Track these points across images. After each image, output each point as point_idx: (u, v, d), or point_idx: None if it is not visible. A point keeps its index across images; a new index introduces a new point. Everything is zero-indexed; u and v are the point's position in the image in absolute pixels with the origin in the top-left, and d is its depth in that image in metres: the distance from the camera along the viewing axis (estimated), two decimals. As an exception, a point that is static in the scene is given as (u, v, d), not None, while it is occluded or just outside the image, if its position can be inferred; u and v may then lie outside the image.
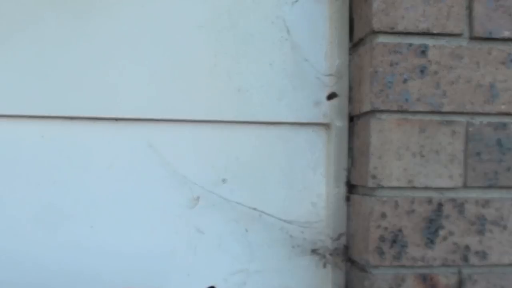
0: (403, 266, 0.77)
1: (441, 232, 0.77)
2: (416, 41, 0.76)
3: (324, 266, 0.87)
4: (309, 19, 0.86)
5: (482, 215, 0.78)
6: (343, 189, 0.87)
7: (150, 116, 0.84)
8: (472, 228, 0.77)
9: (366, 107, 0.79)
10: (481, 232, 0.78)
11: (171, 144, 0.84)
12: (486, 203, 0.78)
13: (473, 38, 0.77)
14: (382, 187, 0.77)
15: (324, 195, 0.87)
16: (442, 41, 0.77)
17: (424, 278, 0.77)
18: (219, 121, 0.85)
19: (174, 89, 0.84)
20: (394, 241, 0.76)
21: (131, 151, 0.84)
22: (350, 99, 0.86)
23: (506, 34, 0.77)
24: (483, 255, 0.78)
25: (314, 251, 0.86)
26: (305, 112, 0.86)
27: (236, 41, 0.85)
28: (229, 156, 0.85)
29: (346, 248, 0.86)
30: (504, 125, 0.78)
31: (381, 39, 0.76)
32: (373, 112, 0.77)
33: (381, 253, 0.76)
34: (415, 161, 0.77)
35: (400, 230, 0.77)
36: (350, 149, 0.86)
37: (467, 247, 0.77)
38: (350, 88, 0.86)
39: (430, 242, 0.77)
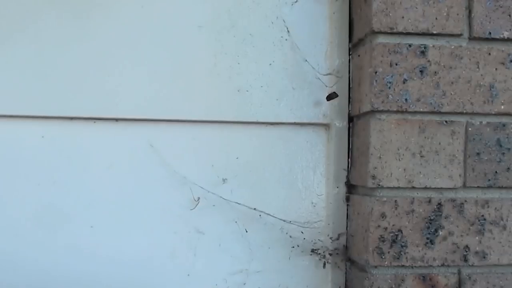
0: (402, 266, 0.77)
1: (441, 232, 0.77)
2: (416, 41, 0.76)
3: (324, 266, 0.87)
4: (309, 19, 0.86)
5: (481, 215, 0.78)
6: (343, 189, 0.87)
7: (150, 116, 0.84)
8: (471, 228, 0.77)
9: (366, 107, 0.79)
10: (480, 232, 0.78)
11: (171, 144, 0.84)
12: (485, 203, 0.78)
13: (472, 38, 0.77)
14: (382, 187, 0.77)
15: (324, 195, 0.87)
16: (441, 41, 0.77)
17: (423, 278, 0.77)
18: (219, 121, 0.85)
19: (174, 89, 0.84)
20: (394, 241, 0.76)
21: (131, 151, 0.84)
22: (350, 99, 0.86)
23: (506, 34, 0.77)
24: (482, 255, 0.78)
25: (314, 251, 0.87)
26: (305, 112, 0.86)
27: (236, 41, 0.85)
28: (229, 156, 0.86)
29: (346, 248, 0.86)
30: (503, 125, 0.78)
31: (381, 39, 0.76)
32: (373, 112, 0.77)
33: (381, 253, 0.76)
34: (414, 161, 0.77)
35: (400, 230, 0.77)
36: (350, 149, 0.86)
37: (466, 247, 0.77)
38: (350, 88, 0.86)
39: (429, 242, 0.77)
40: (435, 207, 0.77)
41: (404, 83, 0.76)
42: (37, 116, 0.82)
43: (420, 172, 0.77)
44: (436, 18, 0.76)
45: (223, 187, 0.85)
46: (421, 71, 0.77)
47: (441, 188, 0.77)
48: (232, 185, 0.85)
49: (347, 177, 0.87)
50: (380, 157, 0.76)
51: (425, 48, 0.76)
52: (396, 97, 0.76)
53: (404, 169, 0.77)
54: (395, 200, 0.77)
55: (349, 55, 0.87)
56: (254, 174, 0.86)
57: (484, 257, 0.78)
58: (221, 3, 0.85)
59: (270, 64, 0.86)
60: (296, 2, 0.86)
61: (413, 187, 0.77)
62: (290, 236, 0.86)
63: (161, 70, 0.84)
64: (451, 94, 0.77)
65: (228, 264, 0.86)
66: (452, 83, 0.77)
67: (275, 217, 0.86)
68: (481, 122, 0.78)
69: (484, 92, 0.77)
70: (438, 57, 0.77)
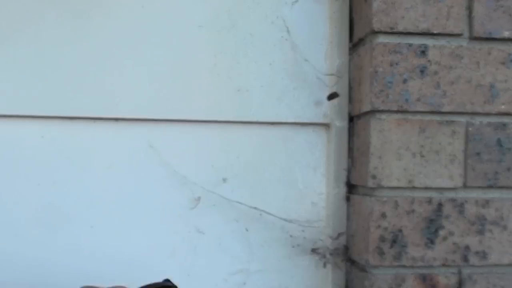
0: (403, 266, 0.77)
1: (441, 232, 0.77)
2: (416, 41, 0.76)
3: (324, 266, 0.87)
4: (309, 19, 0.86)
5: (482, 215, 0.78)
6: (343, 189, 0.87)
7: (150, 116, 0.84)
8: (472, 228, 0.77)
9: (366, 107, 0.79)
10: (481, 232, 0.78)
11: (171, 144, 0.84)
12: (486, 203, 0.78)
13: (473, 38, 0.77)
14: (382, 187, 0.77)
15: (324, 195, 0.87)
16: (442, 41, 0.77)
17: (424, 278, 0.77)
18: (219, 121, 0.85)
19: (174, 89, 0.84)
20: (394, 241, 0.76)
21: (131, 151, 0.84)
22: (350, 99, 0.86)
23: (506, 34, 0.77)
24: (483, 255, 0.78)
25: (314, 251, 0.87)
26: (305, 112, 0.86)
27: (236, 41, 0.85)
28: (229, 156, 0.85)
29: (346, 248, 0.86)
30: (504, 125, 0.78)
31: (381, 39, 0.76)
32: (373, 112, 0.77)
33: (381, 253, 0.76)
34: (415, 161, 0.77)
35: (400, 230, 0.77)
36: (350, 149, 0.86)
37: (467, 247, 0.77)
38: (350, 88, 0.86)
39: (430, 242, 0.77)
40: (436, 207, 0.77)
41: (404, 83, 0.76)
42: (37, 116, 0.82)
43: (420, 172, 0.77)
44: (437, 18, 0.76)
45: (223, 186, 0.85)
46: (421, 71, 0.77)
47: (442, 188, 0.77)
48: (232, 184, 0.85)
49: (347, 177, 0.87)
50: (380, 157, 0.76)
51: (425, 48, 0.76)
52: (396, 97, 0.76)
53: (405, 169, 0.77)
54: (396, 200, 0.77)
55: (349, 55, 0.87)
56: (254, 173, 0.86)
57: (485, 257, 0.78)
58: (221, 3, 0.85)
59: (270, 64, 0.86)
60: (296, 2, 0.86)
61: (414, 187, 0.77)
62: (291, 236, 0.86)
63: (161, 70, 0.84)
64: (452, 94, 0.77)
65: (228, 263, 0.86)
66: (452, 83, 0.77)
67: (276, 217, 0.86)
68: (481, 122, 0.78)
69: (485, 92, 0.77)
70: (438, 57, 0.77)
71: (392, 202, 0.77)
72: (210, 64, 0.85)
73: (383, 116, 0.77)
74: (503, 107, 0.78)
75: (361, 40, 0.82)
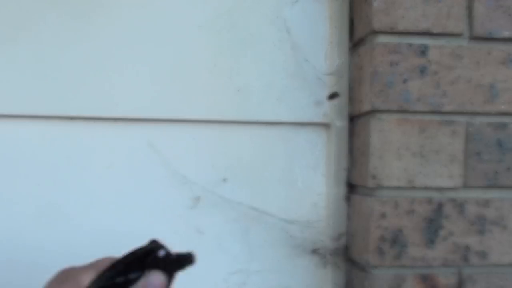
0: (403, 266, 0.77)
1: (441, 232, 0.77)
2: (416, 41, 0.76)
3: (325, 266, 0.87)
4: (309, 19, 0.86)
5: (482, 215, 0.78)
6: (343, 189, 0.87)
7: (150, 116, 0.84)
8: (472, 228, 0.77)
9: (366, 107, 0.79)
10: (481, 232, 0.78)
11: (171, 144, 0.84)
12: (486, 203, 0.78)
13: (473, 38, 0.77)
14: (382, 187, 0.77)
15: (324, 195, 0.87)
16: (442, 41, 0.77)
17: (424, 278, 0.77)
18: (219, 121, 0.85)
19: (174, 89, 0.84)
20: (394, 241, 0.76)
21: (131, 151, 0.84)
22: (350, 99, 0.86)
23: (506, 34, 0.77)
24: (483, 255, 0.78)
25: (314, 251, 0.87)
26: (305, 112, 0.86)
27: (236, 41, 0.85)
28: (229, 156, 0.85)
29: (346, 248, 0.86)
30: (504, 125, 0.78)
31: (381, 39, 0.76)
32: (373, 112, 0.77)
33: (381, 253, 0.76)
34: (415, 161, 0.77)
35: (400, 230, 0.77)
36: (350, 149, 0.86)
37: (467, 247, 0.77)
38: (350, 88, 0.86)
39: (430, 242, 0.77)
40: (436, 207, 0.77)
41: (404, 83, 0.76)
42: (37, 115, 0.82)
43: (420, 172, 0.77)
44: (437, 18, 0.76)
45: (223, 186, 0.85)
46: (421, 71, 0.77)
47: (442, 188, 0.77)
48: (232, 184, 0.85)
49: (348, 177, 0.86)
50: (380, 157, 0.76)
51: (425, 48, 0.76)
52: (396, 97, 0.76)
53: (405, 169, 0.77)
54: (396, 200, 0.77)
55: (349, 55, 0.87)
56: (254, 173, 0.86)
57: (485, 257, 0.77)
58: (221, 3, 0.85)
59: (270, 64, 0.86)
60: (296, 2, 0.86)
61: (414, 187, 0.77)
62: (291, 236, 0.86)
63: (161, 70, 0.84)
64: (452, 94, 0.77)
65: (228, 264, 0.86)
66: (452, 83, 0.77)
67: (276, 217, 0.86)
68: (481, 122, 0.78)
69: (485, 92, 0.77)
70: (438, 57, 0.77)
71: (392, 202, 0.77)
72: (210, 64, 0.85)
73: (383, 116, 0.77)
74: (503, 107, 0.78)
75: (361, 40, 0.82)
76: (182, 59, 0.84)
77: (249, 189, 0.86)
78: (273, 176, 0.86)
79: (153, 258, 0.61)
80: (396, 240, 0.76)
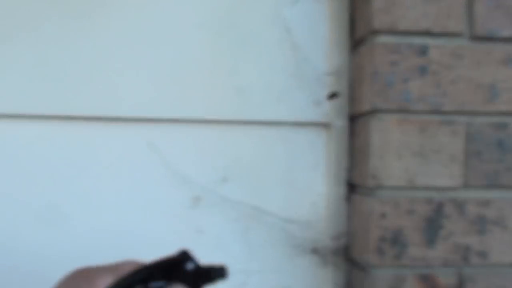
0: (403, 266, 0.77)
1: (442, 232, 0.77)
2: (417, 40, 0.76)
3: (325, 266, 0.87)
4: (309, 19, 0.86)
5: (482, 215, 0.78)
6: (343, 189, 0.87)
7: (150, 115, 0.84)
8: (472, 228, 0.77)
9: (366, 107, 0.78)
10: (481, 232, 0.77)
11: (171, 143, 0.84)
12: (486, 203, 0.78)
13: (473, 38, 0.77)
14: (382, 187, 0.77)
15: (324, 195, 0.87)
16: (442, 41, 0.77)
17: (424, 278, 0.77)
18: (219, 121, 0.85)
19: (174, 88, 0.84)
20: (394, 241, 0.76)
21: (131, 150, 0.84)
22: (351, 99, 0.86)
23: (507, 34, 0.77)
24: (483, 255, 0.77)
25: (314, 251, 0.86)
26: (305, 112, 0.86)
27: (236, 41, 0.85)
28: (229, 156, 0.85)
29: (347, 248, 0.86)
30: (504, 125, 0.78)
31: (382, 38, 0.76)
32: (373, 112, 0.77)
33: (381, 253, 0.76)
34: (415, 161, 0.77)
35: (400, 230, 0.77)
36: (350, 149, 0.86)
37: (467, 247, 0.77)
38: (350, 88, 0.86)
39: (430, 242, 0.77)
40: (436, 207, 0.77)
41: (404, 82, 0.76)
42: (37, 115, 0.82)
43: (420, 172, 0.77)
44: (437, 18, 0.76)
45: (223, 186, 0.85)
46: (421, 71, 0.77)
47: (442, 188, 0.77)
48: (232, 184, 0.85)
49: (348, 176, 0.86)
50: (380, 157, 0.76)
51: (425, 47, 0.76)
52: (396, 97, 0.76)
53: (405, 169, 0.77)
54: (396, 200, 0.77)
55: (350, 54, 0.87)
56: (254, 173, 0.86)
57: (485, 257, 0.77)
58: (221, 3, 0.85)
59: (270, 64, 0.86)
60: (296, 1, 0.86)
61: (414, 187, 0.77)
62: (291, 236, 0.86)
63: (161, 69, 0.84)
64: (452, 93, 0.77)
65: (228, 263, 0.85)
66: (452, 82, 0.77)
67: (276, 217, 0.86)
68: (481, 122, 0.78)
69: (485, 92, 0.77)
70: (438, 57, 0.77)
71: (392, 202, 0.77)
72: (210, 64, 0.85)
73: (383, 116, 0.77)
74: (503, 107, 0.78)
75: (361, 40, 0.82)
76: (182, 59, 0.84)
77: (249, 189, 0.86)
78: (273, 176, 0.86)
79: (180, 269, 0.57)
80: (396, 240, 0.76)
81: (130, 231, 0.84)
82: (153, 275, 0.56)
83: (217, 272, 0.58)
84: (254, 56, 0.86)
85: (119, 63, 0.83)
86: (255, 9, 0.86)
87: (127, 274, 0.57)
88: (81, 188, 0.83)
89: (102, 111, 0.83)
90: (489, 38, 0.77)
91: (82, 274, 0.57)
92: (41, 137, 0.83)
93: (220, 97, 0.85)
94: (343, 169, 0.87)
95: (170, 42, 0.84)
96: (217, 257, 0.86)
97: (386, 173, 0.76)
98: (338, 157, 0.87)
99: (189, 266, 0.57)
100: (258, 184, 0.86)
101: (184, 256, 0.58)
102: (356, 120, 0.84)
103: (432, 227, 0.77)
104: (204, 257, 0.86)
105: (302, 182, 0.87)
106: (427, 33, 0.76)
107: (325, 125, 0.87)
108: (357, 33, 0.84)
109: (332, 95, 0.86)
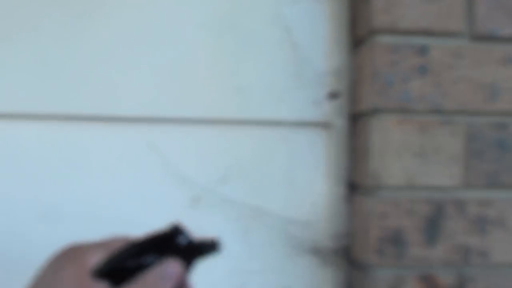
0: (403, 266, 0.77)
1: (442, 232, 0.77)
2: (417, 40, 0.76)
3: (325, 266, 0.87)
4: (309, 19, 0.86)
5: (482, 215, 0.77)
6: (343, 189, 0.87)
7: (150, 115, 0.84)
8: (473, 228, 0.77)
9: (366, 107, 0.78)
10: (482, 232, 0.77)
11: (171, 143, 0.84)
12: (486, 203, 0.78)
13: (473, 37, 0.77)
14: (383, 187, 0.77)
15: (325, 195, 0.87)
16: (442, 41, 0.77)
17: (424, 278, 0.77)
18: (219, 121, 0.85)
19: (174, 88, 0.84)
20: (394, 241, 0.76)
21: (131, 150, 0.84)
22: (351, 99, 0.86)
23: (507, 33, 0.77)
24: (483, 255, 0.77)
25: (314, 251, 0.86)
26: (305, 112, 0.86)
27: (236, 41, 0.85)
28: (229, 156, 0.85)
29: (346, 248, 0.86)
30: (504, 125, 0.78)
31: (381, 38, 0.76)
32: (373, 111, 0.77)
33: (381, 253, 0.76)
34: (415, 160, 0.77)
35: (400, 230, 0.76)
36: (350, 149, 0.86)
37: (467, 247, 0.77)
38: (350, 88, 0.86)
39: (430, 242, 0.77)
40: (436, 207, 0.77)
41: (404, 82, 0.76)
42: (37, 115, 0.82)
43: (421, 172, 0.77)
44: (437, 17, 0.76)
45: (223, 186, 0.85)
46: (421, 71, 0.76)
47: (442, 187, 0.77)
48: (232, 184, 0.85)
49: (348, 176, 0.86)
50: (380, 157, 0.76)
51: (425, 47, 0.76)
52: (396, 97, 0.76)
53: (405, 169, 0.77)
54: (396, 200, 0.77)
55: (350, 54, 0.87)
56: (254, 173, 0.86)
57: (485, 257, 0.77)
58: (221, 3, 0.85)
59: (270, 64, 0.86)
60: (296, 1, 0.86)
61: (414, 187, 0.77)
62: (291, 236, 0.86)
63: (161, 69, 0.84)
64: (452, 93, 0.77)
65: (228, 263, 0.86)
66: (452, 82, 0.77)
67: (275, 217, 0.86)
68: (481, 122, 0.78)
69: (485, 92, 0.77)
70: (438, 56, 0.77)
71: (392, 202, 0.77)
72: (210, 64, 0.85)
73: (384, 115, 0.77)
74: (503, 107, 0.78)
75: (361, 40, 0.82)
76: (182, 58, 0.84)
77: (249, 188, 0.86)
78: (273, 176, 0.86)
79: (172, 244, 0.55)
80: (397, 240, 0.76)
81: (130, 231, 0.84)
82: (145, 250, 0.55)
83: (209, 247, 0.57)
84: (254, 56, 0.86)
85: (119, 62, 0.83)
86: (255, 9, 0.86)
87: (118, 250, 0.56)
88: (81, 188, 0.83)
89: (102, 110, 0.83)
90: (489, 38, 0.77)
91: (72, 251, 0.56)
92: (41, 137, 0.83)
93: (220, 97, 0.85)
94: (343, 169, 0.87)
95: (170, 42, 0.84)
96: (217, 257, 0.86)
97: (386, 173, 0.76)
98: (338, 157, 0.87)
99: (182, 240, 0.55)
100: (258, 184, 0.86)
101: (176, 230, 0.57)
102: (356, 120, 0.84)
103: (433, 227, 0.77)
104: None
105: (302, 182, 0.87)
106: (427, 33, 0.76)
107: (325, 125, 0.87)
108: (357, 33, 0.84)
109: (332, 95, 0.86)
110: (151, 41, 0.84)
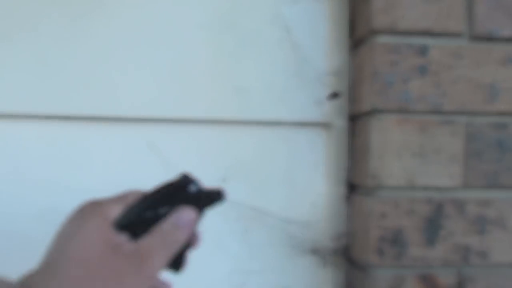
0: (403, 266, 0.77)
1: (441, 232, 0.77)
2: (416, 40, 0.76)
3: (324, 266, 0.87)
4: (309, 19, 0.86)
5: (482, 215, 0.78)
6: (343, 189, 0.87)
7: (150, 115, 0.84)
8: (472, 228, 0.77)
9: (366, 107, 0.78)
10: (481, 232, 0.77)
11: (171, 143, 0.84)
12: (486, 203, 0.78)
13: (473, 38, 0.77)
14: (382, 187, 0.77)
15: (324, 195, 0.87)
16: (442, 41, 0.77)
17: (424, 278, 0.77)
18: (219, 121, 0.85)
19: (174, 88, 0.84)
20: (394, 241, 0.76)
21: (130, 150, 0.84)
22: (350, 99, 0.86)
23: (506, 34, 0.77)
24: (483, 255, 0.78)
25: (314, 251, 0.86)
26: (305, 112, 0.86)
27: (236, 41, 0.85)
28: (229, 156, 0.85)
29: (346, 248, 0.86)
30: (504, 125, 0.78)
31: (381, 38, 0.76)
32: (373, 112, 0.77)
33: (381, 253, 0.76)
34: (415, 161, 0.77)
35: (400, 230, 0.77)
36: (350, 149, 0.86)
37: (467, 247, 0.77)
38: (350, 88, 0.86)
39: (430, 242, 0.77)
40: (436, 207, 0.77)
41: (404, 82, 0.76)
42: (37, 115, 0.82)
43: (420, 172, 0.77)
44: (437, 18, 0.76)
45: (223, 186, 0.85)
46: (421, 71, 0.77)
47: (442, 188, 0.77)
48: (232, 184, 0.85)
49: (348, 176, 0.86)
50: (380, 157, 0.76)
51: (425, 47, 0.76)
52: (396, 97, 0.76)
53: (405, 169, 0.77)
54: (396, 200, 0.77)
55: (350, 54, 0.87)
56: (254, 173, 0.86)
57: (485, 257, 0.77)
58: (221, 3, 0.85)
59: (270, 64, 0.86)
60: (296, 1, 0.86)
61: (414, 187, 0.77)
62: (291, 236, 0.86)
63: (161, 69, 0.84)
64: (452, 93, 0.77)
65: (228, 264, 0.86)
66: (452, 82, 0.77)
67: (275, 217, 0.86)
68: (481, 122, 0.78)
69: (485, 92, 0.77)
70: (438, 57, 0.77)
71: (392, 202, 0.77)
72: (210, 64, 0.85)
73: (383, 116, 0.77)
74: (503, 107, 0.78)
75: (361, 40, 0.82)
76: (182, 58, 0.84)
77: (249, 189, 0.86)
78: (273, 176, 0.86)
79: (183, 192, 0.58)
80: (396, 240, 0.76)
81: (130, 231, 0.84)
82: (159, 201, 0.57)
83: (216, 195, 0.59)
84: (254, 56, 0.86)
85: (119, 63, 0.83)
86: (255, 9, 0.86)
87: (134, 202, 0.58)
88: (80, 188, 0.83)
89: (102, 111, 0.83)
90: (489, 38, 0.77)
91: (92, 206, 0.57)
92: (41, 137, 0.83)
93: (220, 97, 0.85)
94: (343, 169, 0.87)
95: (170, 42, 0.84)
96: (217, 257, 0.86)
97: (386, 173, 0.76)
98: (338, 157, 0.87)
99: (192, 188, 0.58)
100: (258, 184, 0.86)
101: (186, 179, 0.59)
102: (356, 120, 0.84)
103: (432, 227, 0.77)
104: (204, 257, 0.86)
105: (302, 182, 0.87)
106: (427, 33, 0.76)
107: (325, 125, 0.87)
108: (357, 33, 0.84)
109: (332, 95, 0.86)
110: (151, 41, 0.84)
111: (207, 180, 0.86)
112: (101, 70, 0.83)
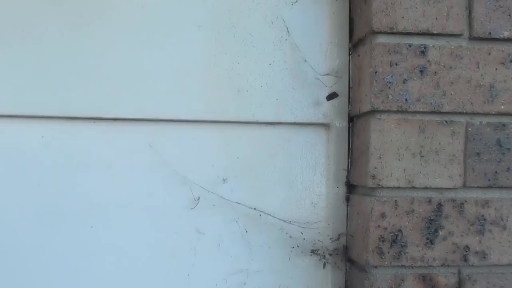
0: (403, 266, 0.77)
1: (441, 232, 0.77)
2: (416, 41, 0.76)
3: (324, 266, 0.87)
4: (309, 19, 0.86)
5: (481, 215, 0.78)
6: (343, 189, 0.87)
7: (150, 116, 0.84)
8: (471, 228, 0.77)
9: (366, 107, 0.79)
10: (480, 232, 0.78)
11: (171, 144, 0.84)
12: (485, 203, 0.78)
13: (472, 38, 0.77)
14: (382, 187, 0.77)
15: (324, 195, 0.87)
16: (442, 41, 0.77)
17: (423, 278, 0.77)
18: (219, 121, 0.85)
19: (174, 89, 0.84)
20: (394, 241, 0.76)
21: (131, 151, 0.84)
22: (350, 99, 0.86)
23: (506, 34, 0.77)
24: (482, 255, 0.78)
25: (314, 252, 0.87)
26: (305, 112, 0.86)
27: (236, 41, 0.85)
28: (229, 156, 0.85)
29: (346, 248, 0.86)
30: (503, 125, 0.78)
31: (381, 39, 0.76)
32: (373, 112, 0.77)
33: (381, 253, 0.76)
34: (414, 161, 0.77)
35: (400, 230, 0.77)
36: (350, 149, 0.86)
37: (466, 247, 0.77)
38: (350, 88, 0.86)
39: (429, 242, 0.77)
40: (435, 207, 0.77)
41: (404, 83, 0.76)
42: (37, 116, 0.82)
43: (420, 172, 0.77)
44: (436, 18, 0.76)
45: (223, 187, 0.85)
46: (421, 71, 0.77)
47: (441, 188, 0.77)
48: (232, 185, 0.85)
49: (347, 177, 0.86)
50: (380, 157, 0.76)
51: (425, 48, 0.76)
52: (396, 97, 0.76)
53: (404, 169, 0.77)
54: (395, 200, 0.77)
55: (349, 55, 0.87)
56: (254, 174, 0.86)
57: (484, 257, 0.78)
58: (221, 3, 0.85)
59: (270, 64, 0.86)
60: (296, 2, 0.86)
61: (413, 187, 0.77)
62: (290, 237, 0.86)
63: (161, 70, 0.84)
64: (451, 94, 0.77)
65: (228, 264, 0.86)
66: (452, 83, 0.77)
67: (275, 217, 0.86)
68: (481, 122, 0.78)
69: (484, 92, 0.77)
70: (438, 57, 0.77)
71: (392, 202, 0.77)
72: (210, 64, 0.85)
73: (383, 116, 0.77)
74: (502, 107, 0.78)
75: (361, 40, 0.82)
76: (182, 59, 0.84)
77: (249, 189, 0.86)
78: (272, 176, 0.86)
79: None
80: (396, 240, 0.76)
81: (129, 231, 0.84)
82: None
83: None
84: (254, 56, 0.86)
85: (119, 63, 0.83)
86: (255, 9, 0.86)
87: None
88: (81, 188, 0.83)
89: (102, 111, 0.83)
90: (489, 39, 0.77)
91: None
92: (41, 137, 0.83)
93: (220, 98, 0.85)
94: (343, 169, 0.87)
95: (170, 42, 0.84)
96: (217, 257, 0.86)
97: (386, 173, 0.76)
98: (337, 157, 0.87)
99: None
100: (257, 185, 0.86)
101: None
102: (355, 120, 0.84)
103: (432, 227, 0.77)
104: (204, 257, 0.86)
105: (302, 182, 0.87)
106: (427, 34, 0.76)
107: (324, 126, 0.87)
108: (357, 33, 0.84)
109: (332, 96, 0.86)
110: (151, 41, 0.84)
111: (207, 180, 0.86)
112: (101, 70, 0.83)
